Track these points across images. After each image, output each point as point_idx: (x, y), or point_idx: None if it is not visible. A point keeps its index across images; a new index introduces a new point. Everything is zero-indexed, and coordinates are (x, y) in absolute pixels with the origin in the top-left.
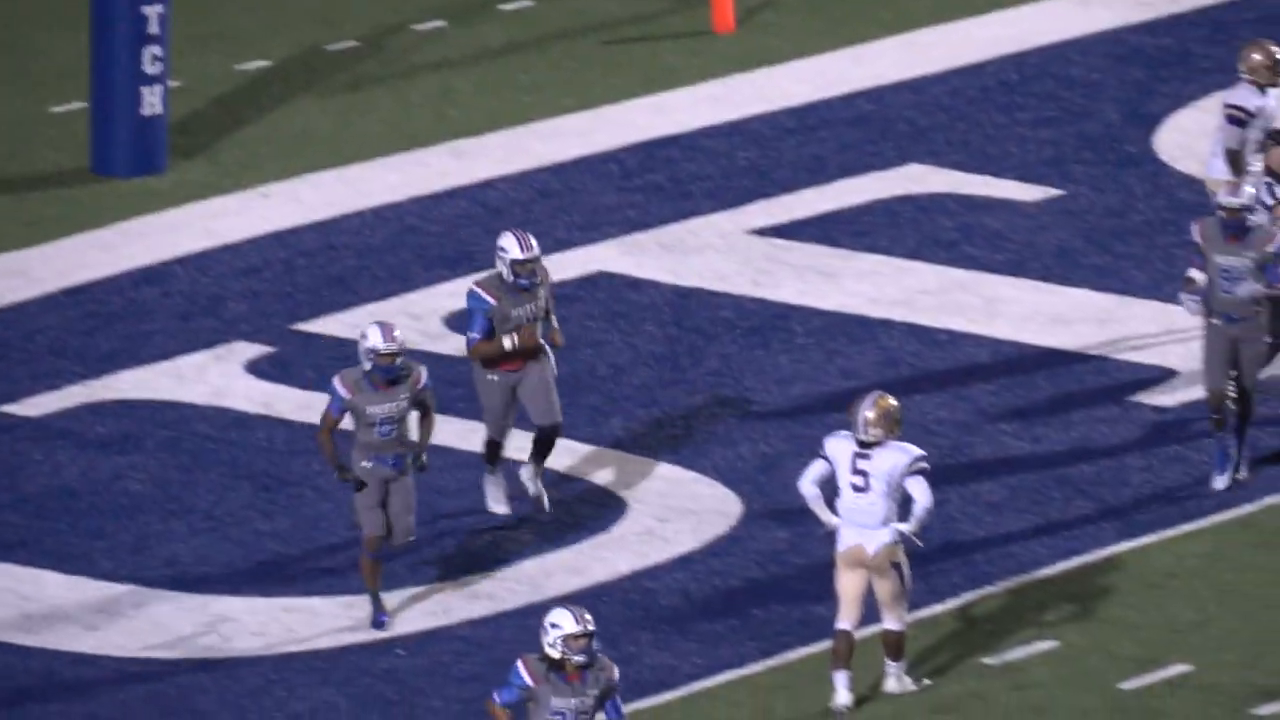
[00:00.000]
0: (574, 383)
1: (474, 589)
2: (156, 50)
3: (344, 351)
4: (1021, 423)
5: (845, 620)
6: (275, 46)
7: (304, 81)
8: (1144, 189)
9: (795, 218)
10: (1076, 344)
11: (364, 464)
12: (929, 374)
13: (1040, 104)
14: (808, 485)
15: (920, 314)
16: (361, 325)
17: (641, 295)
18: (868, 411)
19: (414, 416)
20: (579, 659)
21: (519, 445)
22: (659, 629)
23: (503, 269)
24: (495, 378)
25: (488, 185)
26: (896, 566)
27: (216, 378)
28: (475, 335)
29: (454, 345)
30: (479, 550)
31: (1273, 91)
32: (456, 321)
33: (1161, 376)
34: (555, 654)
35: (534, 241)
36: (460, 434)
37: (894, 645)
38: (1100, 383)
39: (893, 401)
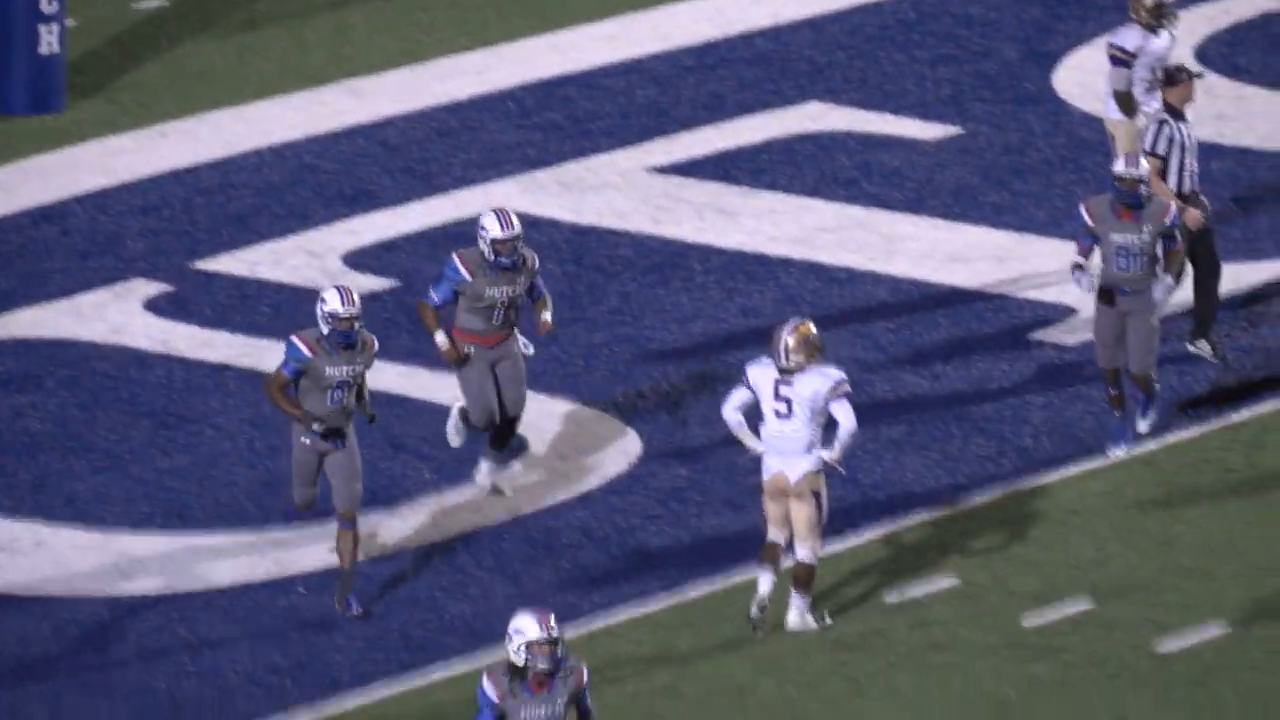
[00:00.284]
0: None
1: (375, 526)
2: None
3: (243, 290)
4: (921, 360)
5: (776, 536)
6: None
7: (201, 21)
8: (1043, 127)
9: (694, 156)
10: (976, 282)
11: (303, 439)
12: (828, 312)
13: (939, 42)
14: (730, 412)
15: (819, 252)
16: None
17: (541, 234)
18: (788, 338)
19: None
20: (543, 666)
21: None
22: (560, 567)
23: (484, 247)
24: (471, 350)
25: (386, 123)
26: (816, 496)
27: (116, 316)
28: (434, 298)
29: (353, 283)
30: (380, 488)
31: (1164, 32)
32: (355, 259)
33: (1061, 314)
34: (519, 661)
35: (515, 219)
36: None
37: (803, 578)
38: (1000, 320)
39: (812, 328)
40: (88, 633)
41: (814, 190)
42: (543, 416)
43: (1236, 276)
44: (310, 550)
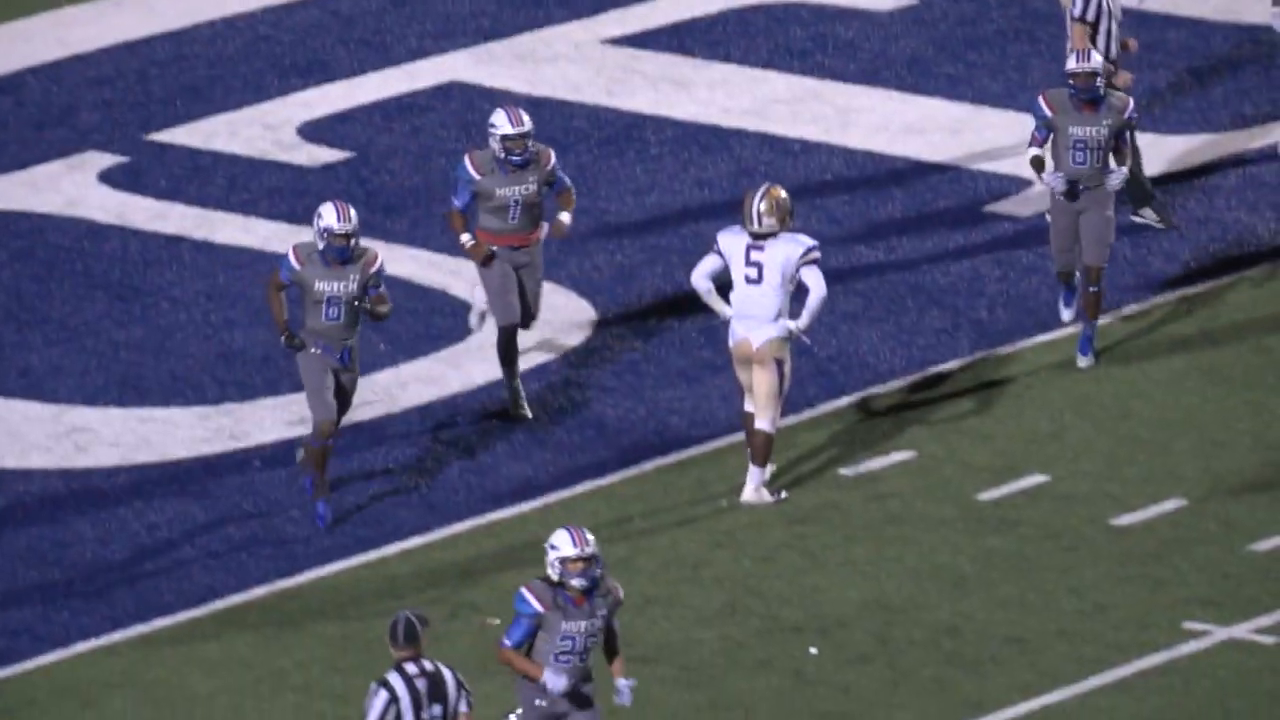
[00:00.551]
0: (427, 194)
1: None
2: None
3: (197, 161)
4: (876, 233)
5: (750, 404)
6: None
7: None
8: None
9: (649, 27)
10: (930, 154)
11: (313, 350)
12: (783, 184)
13: None
14: (700, 279)
15: (773, 124)
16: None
17: (495, 105)
18: (760, 203)
19: None
20: (578, 582)
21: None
22: (515, 440)
23: (494, 145)
24: (495, 249)
25: None
26: (780, 364)
27: (70, 187)
28: (456, 203)
29: (307, 155)
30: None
31: None
32: (310, 131)
33: (1016, 186)
34: (554, 576)
35: (525, 117)
36: None
37: (760, 448)
38: (954, 193)
39: (782, 191)
40: (43, 504)
41: (768, 62)
42: None
43: (1190, 149)
44: (265, 424)
